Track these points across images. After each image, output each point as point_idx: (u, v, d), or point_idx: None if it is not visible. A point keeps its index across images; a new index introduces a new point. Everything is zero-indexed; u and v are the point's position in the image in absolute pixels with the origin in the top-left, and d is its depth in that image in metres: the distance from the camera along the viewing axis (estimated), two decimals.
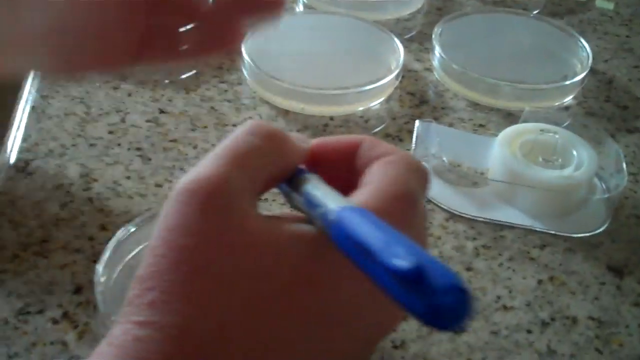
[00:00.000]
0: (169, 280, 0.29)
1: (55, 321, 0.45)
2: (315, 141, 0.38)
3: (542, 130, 0.57)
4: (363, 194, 0.33)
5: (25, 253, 0.49)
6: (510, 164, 0.55)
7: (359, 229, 0.27)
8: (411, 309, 0.24)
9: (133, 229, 0.48)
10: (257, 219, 0.31)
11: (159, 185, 0.55)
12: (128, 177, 0.55)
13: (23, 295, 0.46)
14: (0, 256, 0.49)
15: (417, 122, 0.61)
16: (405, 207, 0.33)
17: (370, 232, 0.27)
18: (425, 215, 0.37)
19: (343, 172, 0.36)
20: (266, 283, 0.30)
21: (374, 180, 0.34)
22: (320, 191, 0.32)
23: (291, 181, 0.34)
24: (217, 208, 0.30)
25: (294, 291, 0.30)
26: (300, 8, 0.80)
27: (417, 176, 0.35)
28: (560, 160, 0.56)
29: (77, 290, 0.47)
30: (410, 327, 0.46)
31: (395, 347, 0.45)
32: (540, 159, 0.56)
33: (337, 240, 0.28)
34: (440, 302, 0.23)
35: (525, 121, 0.61)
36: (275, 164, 0.34)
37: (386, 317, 0.34)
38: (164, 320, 0.28)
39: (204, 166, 0.32)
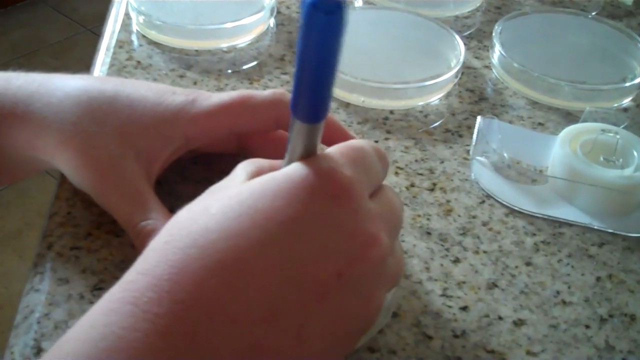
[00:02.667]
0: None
1: None
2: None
3: (603, 130, 0.58)
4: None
5: (98, 231, 0.51)
6: (571, 162, 0.56)
7: None
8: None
9: None
10: None
11: (223, 172, 0.56)
12: (195, 163, 0.57)
13: (97, 271, 0.48)
14: (74, 234, 0.51)
15: (478, 118, 0.62)
16: (354, 153, 0.38)
17: None
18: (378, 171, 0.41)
19: None
20: None
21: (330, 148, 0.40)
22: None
23: None
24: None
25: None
26: (359, 3, 0.81)
27: (372, 147, 0.40)
28: (620, 160, 0.57)
29: None
30: (470, 317, 0.47)
31: (456, 336, 0.46)
32: (601, 159, 0.56)
33: None
34: None
35: (584, 121, 0.62)
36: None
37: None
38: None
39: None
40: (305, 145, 0.37)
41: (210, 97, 0.51)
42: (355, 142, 0.40)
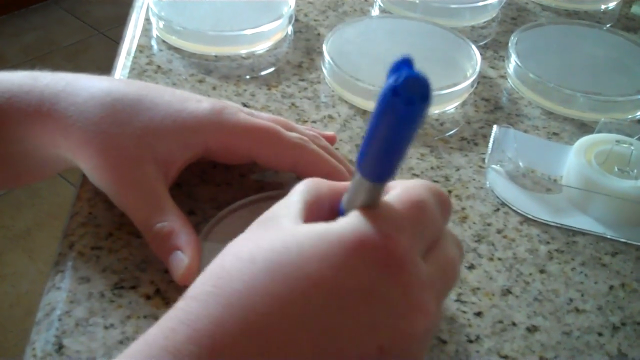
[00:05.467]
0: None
1: (148, 297, 0.47)
2: None
3: (617, 141, 0.59)
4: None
5: (120, 232, 0.52)
6: (586, 172, 0.57)
7: None
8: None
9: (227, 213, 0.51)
10: None
11: (243, 175, 0.57)
12: (214, 166, 0.58)
13: (117, 271, 0.49)
14: (95, 234, 0.51)
15: (494, 127, 0.63)
16: (414, 211, 0.36)
17: None
18: (446, 236, 0.39)
19: None
20: None
21: (391, 192, 0.38)
22: None
23: None
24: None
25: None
26: (376, 12, 0.82)
27: (434, 195, 0.38)
28: (635, 171, 0.57)
29: None
30: (485, 323, 0.48)
31: (470, 341, 0.47)
32: (616, 169, 0.57)
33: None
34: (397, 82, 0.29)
35: (599, 131, 0.63)
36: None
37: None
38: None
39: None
40: (364, 198, 0.35)
41: (237, 113, 0.52)
42: (416, 193, 0.37)
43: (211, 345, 0.32)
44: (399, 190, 0.37)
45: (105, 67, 0.69)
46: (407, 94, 0.29)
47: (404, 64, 0.29)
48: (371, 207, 0.35)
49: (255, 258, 0.34)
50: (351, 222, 0.35)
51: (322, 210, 0.38)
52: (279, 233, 0.36)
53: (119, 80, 0.56)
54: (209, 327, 0.32)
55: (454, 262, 0.39)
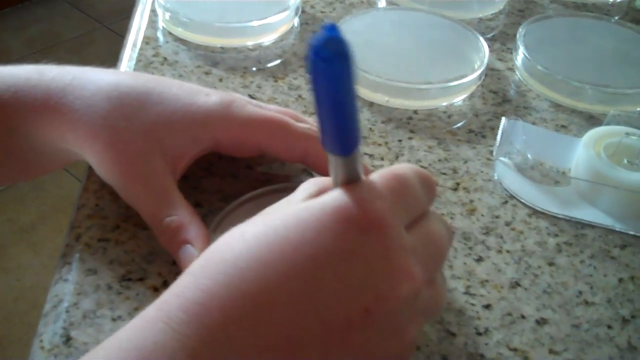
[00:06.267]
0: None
1: (155, 289, 0.47)
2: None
3: (627, 133, 0.58)
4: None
5: (126, 224, 0.51)
6: (595, 164, 0.56)
7: None
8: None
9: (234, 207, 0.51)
10: None
11: (249, 167, 0.57)
12: (220, 158, 0.57)
13: (124, 263, 0.49)
14: (102, 226, 0.51)
15: (503, 119, 0.63)
16: (394, 183, 0.38)
17: None
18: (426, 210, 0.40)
19: None
20: None
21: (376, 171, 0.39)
22: None
23: None
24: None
25: None
26: (382, 3, 0.82)
27: (417, 174, 0.39)
28: None
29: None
30: (493, 316, 0.48)
31: (479, 333, 0.47)
32: (625, 161, 0.57)
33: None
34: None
35: (608, 124, 0.62)
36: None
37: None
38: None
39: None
40: (343, 175, 0.36)
41: (245, 106, 0.52)
42: (399, 169, 0.39)
43: (199, 311, 0.33)
44: (383, 169, 0.39)
45: (109, 60, 0.69)
46: (324, 52, 0.30)
47: (328, 29, 0.31)
48: (353, 181, 0.37)
49: (245, 233, 0.36)
50: (332, 194, 0.36)
51: None
52: (273, 214, 0.37)
53: (125, 73, 0.56)
54: (197, 294, 0.34)
55: (440, 237, 0.40)
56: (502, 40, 0.77)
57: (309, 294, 0.34)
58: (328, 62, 0.31)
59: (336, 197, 0.36)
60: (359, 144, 0.36)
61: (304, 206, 0.36)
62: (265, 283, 0.34)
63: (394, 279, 0.35)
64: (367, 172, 0.40)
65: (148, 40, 0.72)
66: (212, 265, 0.35)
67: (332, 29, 0.30)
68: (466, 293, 0.49)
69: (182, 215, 0.48)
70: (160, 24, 0.74)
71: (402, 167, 0.39)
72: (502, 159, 0.59)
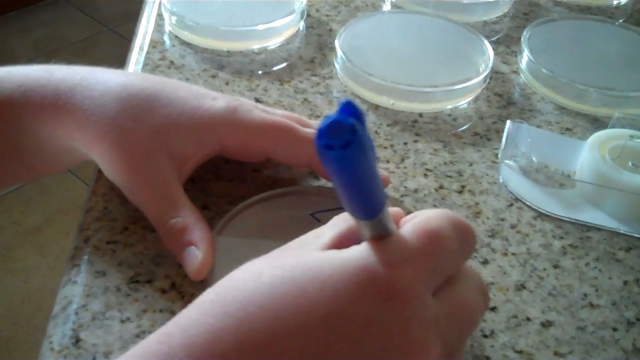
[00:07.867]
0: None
1: (163, 291, 0.48)
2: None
3: (631, 136, 0.59)
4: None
5: (134, 226, 0.52)
6: (600, 167, 0.57)
7: None
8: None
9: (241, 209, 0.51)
10: None
11: (256, 171, 0.57)
12: (227, 162, 0.58)
13: (133, 265, 0.49)
14: (111, 228, 0.52)
15: (508, 122, 0.63)
16: (427, 242, 0.35)
17: None
18: (462, 270, 0.38)
19: None
20: None
21: (409, 222, 0.37)
22: None
23: None
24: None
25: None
26: (387, 7, 0.82)
27: (454, 227, 0.37)
28: None
29: None
30: (499, 318, 0.48)
31: (485, 336, 0.47)
32: (630, 164, 0.57)
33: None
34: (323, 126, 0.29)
35: (613, 127, 0.62)
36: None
37: None
38: None
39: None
40: (370, 234, 0.35)
41: (251, 111, 0.52)
42: (434, 221, 0.36)
43: (201, 356, 0.32)
44: (417, 220, 0.36)
45: (114, 63, 0.69)
46: (326, 139, 0.29)
47: (344, 107, 0.29)
48: (382, 237, 0.35)
49: (262, 273, 0.34)
50: (359, 250, 0.34)
51: (353, 242, 0.37)
52: (295, 256, 0.35)
53: (134, 74, 0.56)
54: (202, 335, 0.32)
55: (471, 306, 0.37)
56: (506, 44, 0.77)
57: (317, 355, 0.32)
58: (333, 151, 0.29)
59: (362, 255, 0.34)
60: (384, 206, 0.34)
61: (327, 257, 0.34)
62: (274, 337, 0.32)
63: (407, 353, 0.33)
64: (399, 217, 0.38)
65: (155, 44, 0.72)
66: (222, 303, 0.33)
67: (345, 108, 0.29)
68: None
69: (187, 217, 0.48)
70: (167, 28, 0.74)
71: (438, 219, 0.36)
72: (507, 161, 0.60)
